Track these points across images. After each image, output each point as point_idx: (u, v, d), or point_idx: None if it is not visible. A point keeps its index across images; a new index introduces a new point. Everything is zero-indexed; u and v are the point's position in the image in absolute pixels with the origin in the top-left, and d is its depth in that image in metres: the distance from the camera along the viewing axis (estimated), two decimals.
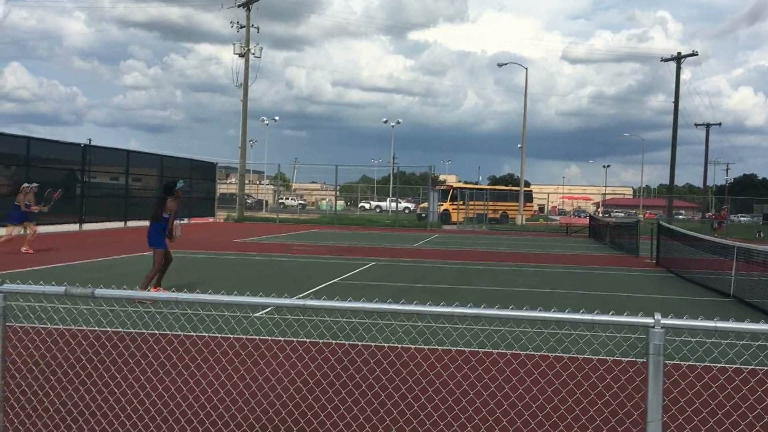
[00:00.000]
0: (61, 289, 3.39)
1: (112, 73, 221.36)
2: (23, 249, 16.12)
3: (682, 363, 6.74)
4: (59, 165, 26.56)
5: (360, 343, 7.20)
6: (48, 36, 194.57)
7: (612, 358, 6.79)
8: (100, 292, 3.35)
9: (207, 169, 40.08)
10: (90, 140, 30.92)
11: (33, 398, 4.92)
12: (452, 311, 3.10)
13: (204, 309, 8.43)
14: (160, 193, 10.51)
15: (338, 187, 44.24)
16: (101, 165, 29.12)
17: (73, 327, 7.32)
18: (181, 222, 13.55)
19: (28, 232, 16.40)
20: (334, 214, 44.59)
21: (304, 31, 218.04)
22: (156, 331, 7.45)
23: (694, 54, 51.01)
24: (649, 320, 2.84)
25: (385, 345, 7.04)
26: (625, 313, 3.00)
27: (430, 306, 3.13)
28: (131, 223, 28.91)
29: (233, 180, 55.55)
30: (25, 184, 16.70)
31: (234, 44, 42.62)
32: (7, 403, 3.76)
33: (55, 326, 7.25)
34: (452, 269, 16.29)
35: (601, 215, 57.02)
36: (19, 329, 6.53)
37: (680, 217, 70.84)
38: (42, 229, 23.84)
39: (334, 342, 7.32)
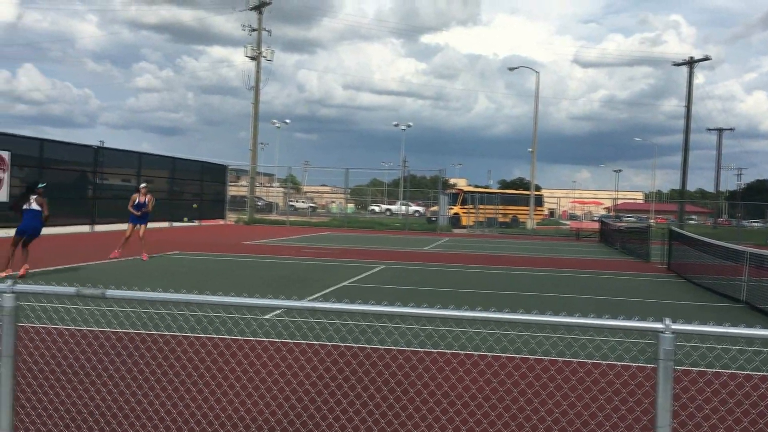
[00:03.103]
0: (72, 289, 3.42)
1: (124, 75, 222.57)
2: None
3: (692, 369, 6.71)
4: (71, 167, 26.75)
5: (369, 346, 7.21)
6: (61, 38, 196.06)
7: (621, 363, 6.76)
8: (111, 292, 3.38)
9: (218, 171, 40.24)
10: (102, 142, 31.12)
11: (44, 398, 4.96)
12: (460, 315, 3.10)
13: (214, 311, 8.46)
14: (26, 190, 12.88)
15: (348, 190, 44.29)
16: (113, 167, 29.31)
17: (84, 328, 7.37)
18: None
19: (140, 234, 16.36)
20: (345, 217, 44.64)
21: (316, 34, 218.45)
22: (166, 333, 7.49)
23: (707, 58, 50.73)
24: (659, 325, 2.84)
25: (394, 348, 7.05)
26: (635, 318, 2.99)
27: (438, 309, 3.14)
28: None
29: (244, 182, 55.70)
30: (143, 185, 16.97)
31: (245, 47, 42.84)
32: (17, 403, 3.79)
33: (67, 326, 7.30)
34: (462, 273, 16.26)
35: (613, 219, 56.79)
36: (30, 329, 6.59)
37: (692, 222, 70.39)
38: (54, 230, 24.02)
39: (343, 345, 7.33)
